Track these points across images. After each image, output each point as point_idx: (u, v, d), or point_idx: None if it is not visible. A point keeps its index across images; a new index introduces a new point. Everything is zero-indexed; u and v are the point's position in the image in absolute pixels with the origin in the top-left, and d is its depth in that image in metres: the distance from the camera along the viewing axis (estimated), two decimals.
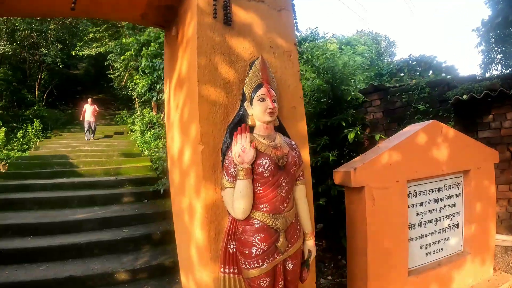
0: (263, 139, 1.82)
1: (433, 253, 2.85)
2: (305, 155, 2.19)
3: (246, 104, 1.88)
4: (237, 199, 1.71)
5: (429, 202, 2.85)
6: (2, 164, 8.63)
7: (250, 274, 1.76)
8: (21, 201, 5.31)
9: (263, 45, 2.08)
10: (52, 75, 16.24)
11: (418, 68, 6.94)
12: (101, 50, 12.82)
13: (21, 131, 11.19)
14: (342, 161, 4.00)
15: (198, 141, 1.82)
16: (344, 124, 4.35)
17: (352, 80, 4.58)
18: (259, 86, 1.85)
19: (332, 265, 3.92)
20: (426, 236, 2.81)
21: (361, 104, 5.17)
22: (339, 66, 4.28)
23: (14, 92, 13.24)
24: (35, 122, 11.56)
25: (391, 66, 7.43)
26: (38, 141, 10.90)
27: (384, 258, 2.48)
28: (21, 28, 12.73)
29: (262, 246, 1.74)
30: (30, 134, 11.16)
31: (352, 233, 2.62)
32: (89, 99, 12.65)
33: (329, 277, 3.65)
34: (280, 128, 1.98)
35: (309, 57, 4.19)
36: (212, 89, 1.86)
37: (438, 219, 2.89)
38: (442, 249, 2.89)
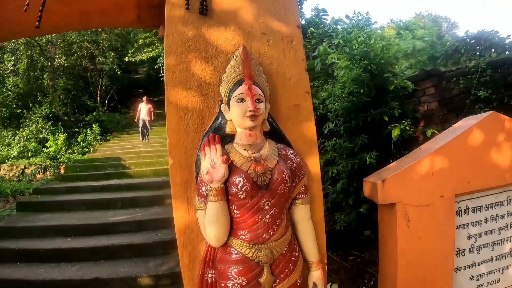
0: (244, 149, 1.51)
1: (487, 286, 2.22)
2: (313, 164, 1.79)
3: (223, 107, 1.57)
4: (208, 224, 1.43)
5: (486, 221, 2.19)
6: (63, 166, 9.31)
7: None
8: (70, 203, 5.64)
9: (252, 32, 1.75)
10: (113, 81, 17.20)
11: (477, 47, 5.94)
12: (152, 55, 13.27)
13: (81, 135, 12.06)
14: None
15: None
16: (386, 119, 3.81)
17: (395, 66, 4.00)
18: (238, 84, 1.51)
19: (372, 282, 3.44)
20: (479, 265, 2.19)
21: (411, 93, 4.50)
22: (376, 50, 3.74)
23: (75, 99, 14.25)
24: (94, 126, 12.32)
25: (445, 47, 6.47)
26: (97, 144, 11.66)
27: None
28: (76, 41, 13.72)
29: (239, 281, 1.44)
30: (89, 138, 11.95)
31: (383, 258, 2.13)
32: (144, 98, 12.13)
33: None
34: (273, 134, 1.64)
35: (341, 42, 3.72)
36: (183, 93, 1.60)
37: (496, 242, 2.21)
38: (499, 280, 2.24)
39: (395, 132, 3.60)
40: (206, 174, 1.41)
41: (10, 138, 11.91)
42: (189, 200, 1.56)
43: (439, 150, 2.02)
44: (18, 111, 12.91)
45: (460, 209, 2.11)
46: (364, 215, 3.76)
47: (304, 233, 1.65)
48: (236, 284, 1.45)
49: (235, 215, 1.46)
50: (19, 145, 11.32)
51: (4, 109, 12.66)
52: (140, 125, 11.66)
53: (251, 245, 1.45)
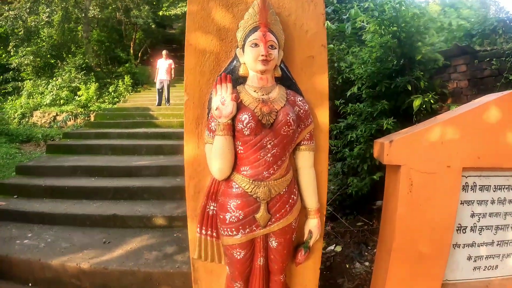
0: (254, 91, 1.60)
1: (484, 270, 2.13)
2: (322, 116, 1.85)
3: (238, 51, 1.65)
4: (214, 157, 1.56)
5: (492, 202, 2.08)
6: (93, 114, 9.71)
7: (224, 242, 1.64)
8: (98, 147, 5.92)
9: None
10: (147, 35, 17.37)
11: None
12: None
13: (112, 86, 12.40)
14: None
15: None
16: (410, 88, 3.73)
17: (426, 36, 3.83)
18: (254, 30, 1.58)
19: (375, 250, 3.52)
20: (479, 246, 2.11)
21: (442, 68, 4.34)
22: (407, 17, 3.61)
23: (108, 51, 14.52)
24: (126, 78, 12.60)
25: (483, 26, 6.07)
26: (128, 95, 12.00)
27: (414, 263, 1.95)
28: None
29: (237, 214, 1.58)
30: (120, 88, 12.26)
31: (383, 223, 2.11)
32: (164, 52, 10.15)
33: (367, 263, 3.29)
34: (284, 80, 1.71)
35: (371, 5, 3.61)
36: (202, 37, 1.69)
37: (500, 227, 2.11)
38: (497, 266, 2.16)
39: (417, 102, 3.51)
40: (216, 110, 1.52)
41: (44, 86, 12.35)
42: (199, 135, 1.68)
43: (451, 119, 1.95)
44: (52, 61, 13.35)
45: (467, 184, 2.03)
46: (379, 186, 3.78)
47: (305, 180, 1.74)
48: (233, 217, 1.58)
49: (239, 151, 1.57)
50: (52, 93, 11.75)
51: (39, 59, 13.03)
52: (157, 87, 9.83)
53: (251, 181, 1.56)
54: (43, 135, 8.91)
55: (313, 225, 1.78)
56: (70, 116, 10.29)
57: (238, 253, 1.63)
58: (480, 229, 2.10)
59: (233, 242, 1.61)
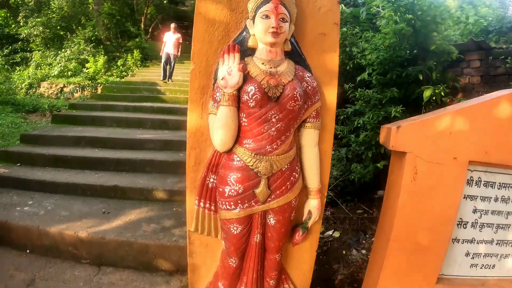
0: (262, 63, 1.55)
1: (480, 268, 2.09)
2: (330, 95, 1.80)
3: (248, 22, 1.60)
4: (216, 128, 1.52)
5: (496, 199, 2.03)
6: (100, 87, 9.68)
7: (222, 215, 1.62)
8: (103, 118, 5.91)
9: None
10: (158, 10, 17.21)
11: None
12: None
13: (121, 59, 12.32)
14: None
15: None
16: (421, 78, 3.65)
17: (442, 27, 3.73)
18: (265, 2, 1.52)
19: (373, 239, 3.51)
20: (478, 243, 2.06)
21: (455, 62, 4.24)
22: (423, 5, 3.50)
23: (118, 24, 14.31)
24: (135, 52, 12.53)
25: (501, 23, 5.89)
26: (136, 69, 11.91)
27: (411, 254, 1.91)
28: None
29: (236, 188, 1.55)
30: (129, 62, 12.21)
31: (384, 211, 2.04)
32: (172, 25, 9.90)
33: (363, 251, 3.28)
34: (293, 55, 1.66)
35: None
36: (212, 6, 1.63)
37: (501, 226, 2.07)
38: (494, 266, 2.12)
39: (427, 93, 3.46)
40: (222, 80, 1.48)
41: (52, 58, 12.30)
42: (204, 105, 1.65)
43: (462, 110, 1.88)
44: (62, 32, 13.24)
45: (472, 178, 1.97)
46: (382, 176, 3.75)
47: (308, 158, 1.71)
48: (232, 190, 1.56)
49: (243, 123, 1.54)
50: (60, 64, 11.71)
51: (48, 30, 12.96)
52: (163, 60, 9.57)
53: (253, 155, 1.53)
54: (49, 105, 8.93)
55: (313, 205, 1.76)
56: (77, 88, 10.29)
57: (235, 228, 1.61)
58: (481, 226, 2.05)
59: (230, 216, 1.60)
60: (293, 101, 1.53)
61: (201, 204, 1.69)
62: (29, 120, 7.81)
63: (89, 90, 10.15)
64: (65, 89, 10.66)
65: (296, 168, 1.66)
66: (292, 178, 1.63)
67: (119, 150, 4.52)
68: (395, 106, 3.49)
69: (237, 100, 1.51)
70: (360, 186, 3.94)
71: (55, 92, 10.82)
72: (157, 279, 2.59)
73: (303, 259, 1.95)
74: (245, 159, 1.54)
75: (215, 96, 1.56)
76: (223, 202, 1.59)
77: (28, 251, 2.81)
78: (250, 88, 1.48)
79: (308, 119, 1.67)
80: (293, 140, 1.65)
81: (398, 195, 1.84)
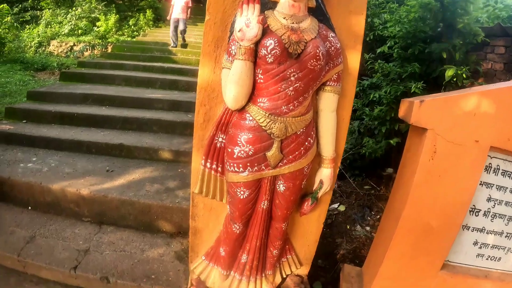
0: (284, 18, 1.41)
1: (486, 259, 2.00)
2: (353, 59, 1.67)
3: None
4: (230, 83, 1.40)
5: (511, 191, 1.91)
6: (111, 46, 9.50)
7: (229, 178, 1.53)
8: (112, 77, 5.79)
9: None
10: None
11: None
12: None
13: (133, 19, 11.95)
14: None
15: None
16: (445, 56, 3.47)
17: (471, 6, 3.50)
18: None
19: (378, 216, 3.45)
20: (487, 233, 1.96)
21: (480, 45, 4.02)
22: None
23: None
24: (148, 12, 12.12)
25: None
26: (148, 29, 11.59)
27: (420, 235, 1.83)
28: None
29: (247, 149, 1.46)
30: (141, 22, 11.82)
31: (396, 188, 1.96)
32: None
33: (368, 228, 3.23)
34: (318, 13, 1.51)
35: None
36: None
37: None
38: (500, 259, 2.03)
39: (450, 73, 3.28)
40: (239, 32, 1.35)
41: (63, 16, 11.98)
42: (217, 59, 1.53)
43: (488, 92, 1.74)
44: None
45: (490, 165, 1.86)
46: (393, 153, 3.65)
47: (325, 124, 1.61)
48: (242, 152, 1.47)
49: (258, 80, 1.42)
50: (70, 23, 11.43)
51: None
52: (172, 26, 8.78)
53: (267, 114, 1.42)
54: (58, 64, 8.79)
55: (326, 175, 1.67)
56: (88, 47, 10.10)
57: (242, 192, 1.54)
58: (493, 216, 1.94)
59: (238, 179, 1.51)
60: (314, 60, 1.40)
61: (208, 164, 1.60)
62: (37, 78, 7.70)
63: (99, 49, 9.94)
64: (75, 48, 10.45)
65: (312, 133, 1.56)
66: (306, 143, 1.53)
67: (126, 109, 4.43)
68: (415, 82, 3.34)
69: (254, 54, 1.38)
70: (370, 162, 3.87)
71: (64, 51, 10.63)
72: (157, 240, 2.56)
73: (309, 230, 1.89)
74: (258, 118, 1.43)
75: (230, 49, 1.43)
76: (231, 164, 1.50)
77: (30, 207, 2.78)
78: (270, 42, 1.35)
79: (328, 82, 1.55)
80: (311, 103, 1.54)
81: (413, 173, 1.73)
